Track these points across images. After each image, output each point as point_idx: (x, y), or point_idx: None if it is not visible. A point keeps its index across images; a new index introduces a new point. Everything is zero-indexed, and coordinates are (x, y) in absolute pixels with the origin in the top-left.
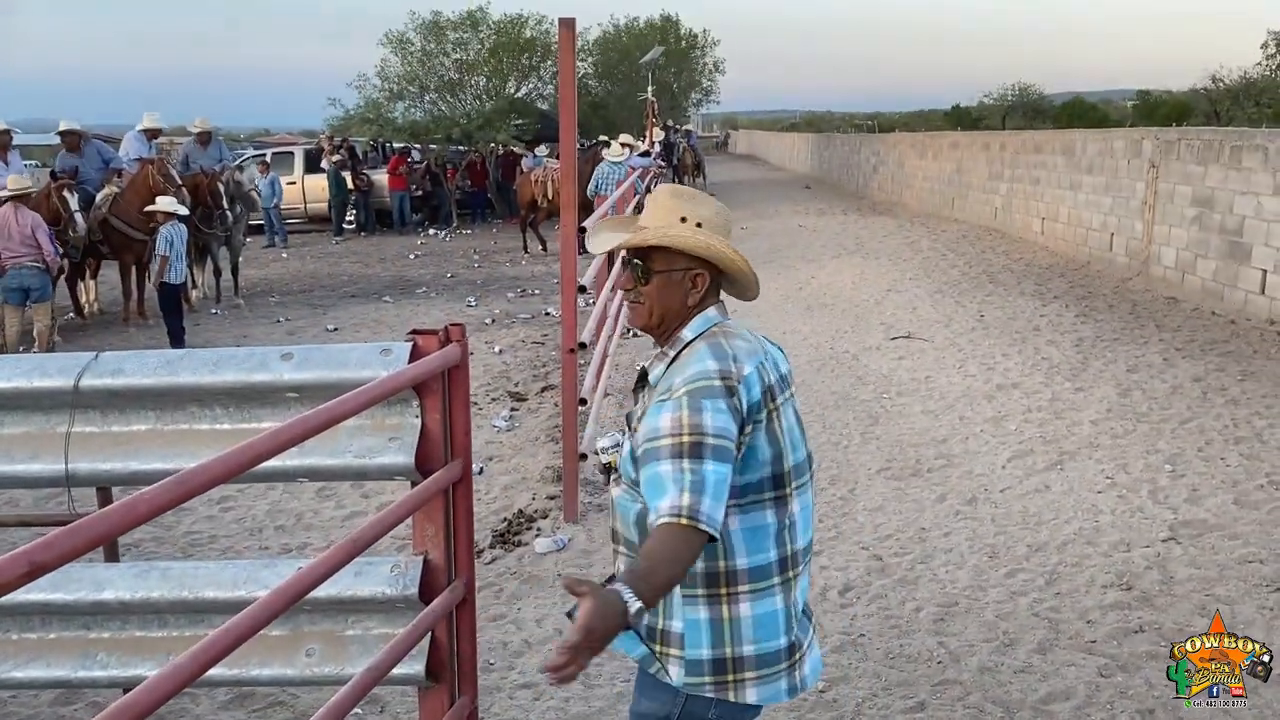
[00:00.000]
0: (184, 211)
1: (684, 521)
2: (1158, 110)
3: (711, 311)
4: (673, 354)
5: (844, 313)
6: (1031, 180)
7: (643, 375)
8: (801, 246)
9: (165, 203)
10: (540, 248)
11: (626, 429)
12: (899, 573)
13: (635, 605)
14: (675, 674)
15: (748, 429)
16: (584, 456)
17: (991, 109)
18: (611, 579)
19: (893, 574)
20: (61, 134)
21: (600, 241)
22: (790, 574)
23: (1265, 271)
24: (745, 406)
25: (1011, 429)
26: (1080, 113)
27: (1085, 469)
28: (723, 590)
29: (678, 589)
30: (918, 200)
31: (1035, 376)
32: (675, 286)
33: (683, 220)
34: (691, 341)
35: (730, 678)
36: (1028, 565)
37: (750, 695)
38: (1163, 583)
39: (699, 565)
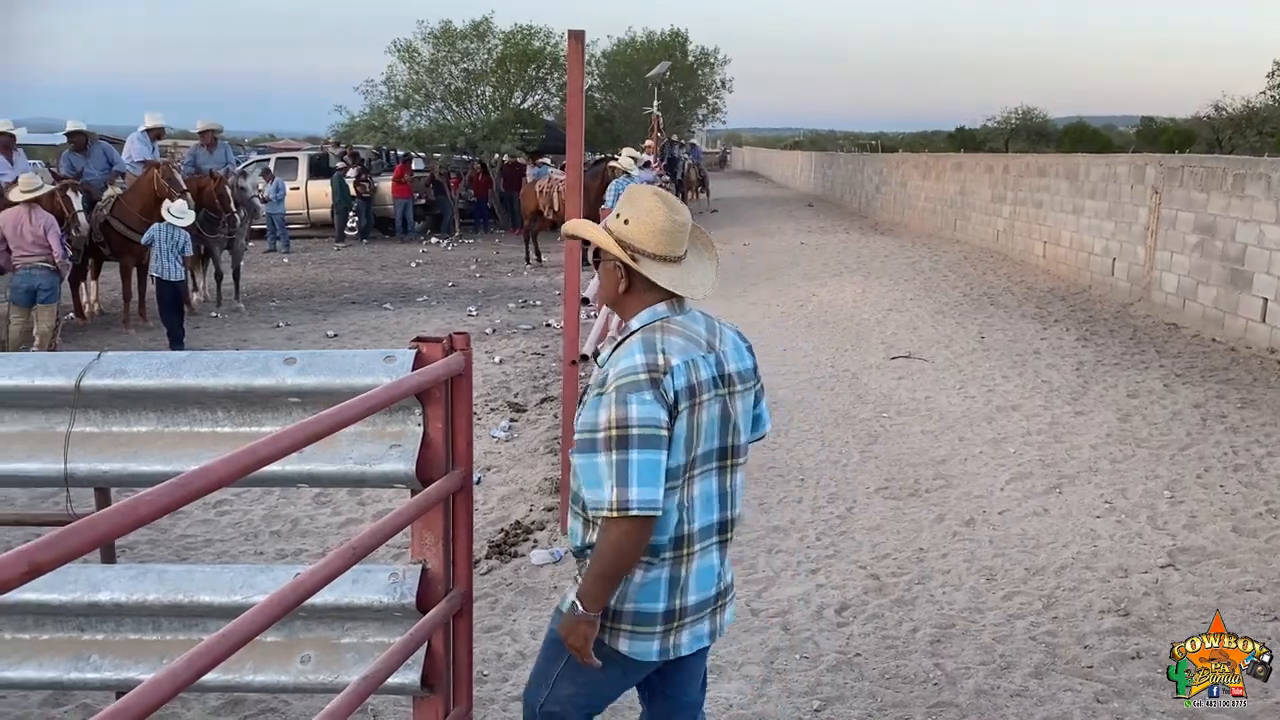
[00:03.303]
0: (189, 221)
1: (615, 514)
2: (1160, 137)
3: (660, 307)
4: (620, 339)
5: (844, 331)
6: (1034, 203)
7: (596, 354)
8: (803, 264)
9: (177, 209)
10: (536, 259)
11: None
12: (896, 593)
13: (579, 611)
14: (570, 596)
15: (675, 417)
16: None
17: (995, 132)
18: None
19: (890, 594)
20: (69, 134)
21: (566, 229)
22: (684, 551)
23: (1266, 300)
24: (672, 395)
25: (1011, 451)
26: (1083, 137)
27: (1084, 493)
28: None
29: (595, 534)
30: (920, 221)
31: (1035, 399)
32: (609, 275)
33: (618, 216)
34: (637, 331)
35: (609, 624)
36: (1025, 588)
37: (622, 645)
38: (1161, 609)
39: None
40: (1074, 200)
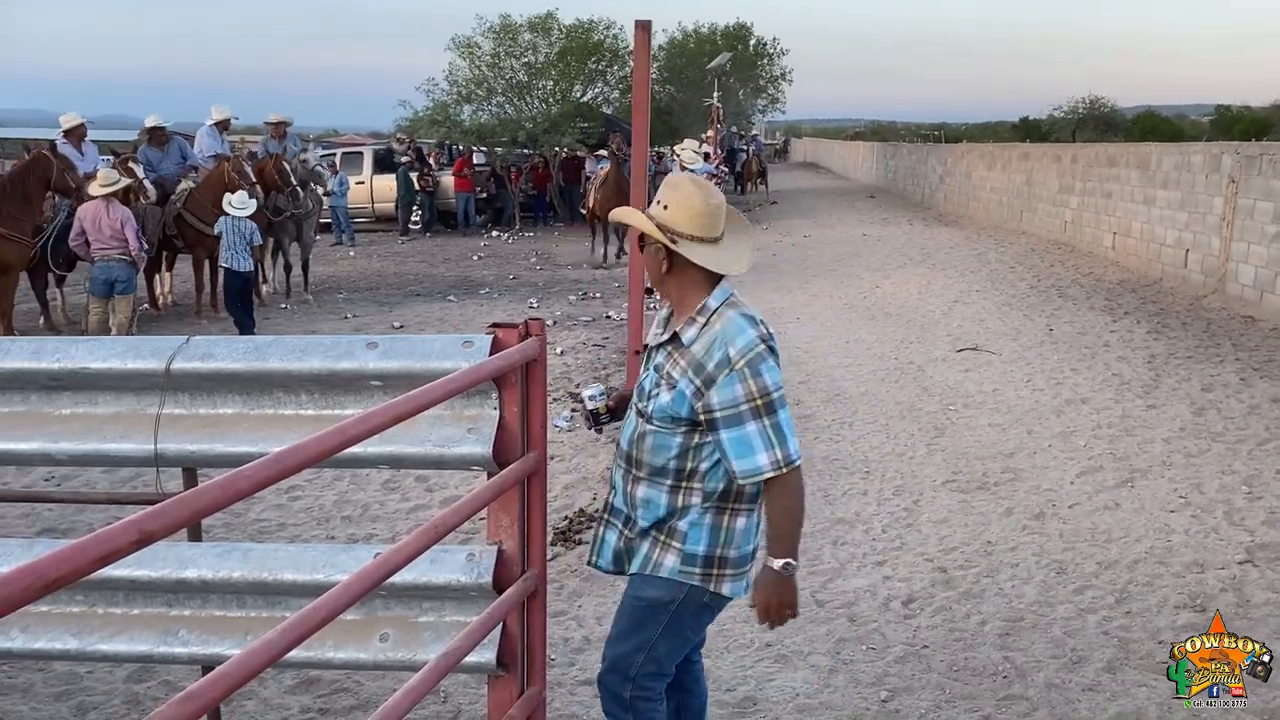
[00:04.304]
0: (250, 211)
1: (785, 471)
2: (1235, 125)
3: (726, 284)
4: (703, 320)
5: (909, 323)
6: (1103, 194)
7: (674, 336)
8: (866, 256)
9: (238, 200)
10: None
11: (658, 377)
12: (964, 585)
13: (793, 566)
14: (670, 562)
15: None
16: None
17: (1061, 122)
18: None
19: (957, 587)
20: (149, 130)
21: (614, 216)
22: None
23: None
24: (779, 358)
25: (1081, 445)
26: (1153, 126)
27: (1157, 487)
28: (730, 505)
29: (696, 497)
30: (985, 212)
31: (1105, 392)
32: (651, 258)
33: (658, 203)
34: (718, 309)
35: (714, 572)
36: (1097, 583)
37: (725, 589)
38: (1238, 606)
39: (719, 485)
40: (1145, 190)
